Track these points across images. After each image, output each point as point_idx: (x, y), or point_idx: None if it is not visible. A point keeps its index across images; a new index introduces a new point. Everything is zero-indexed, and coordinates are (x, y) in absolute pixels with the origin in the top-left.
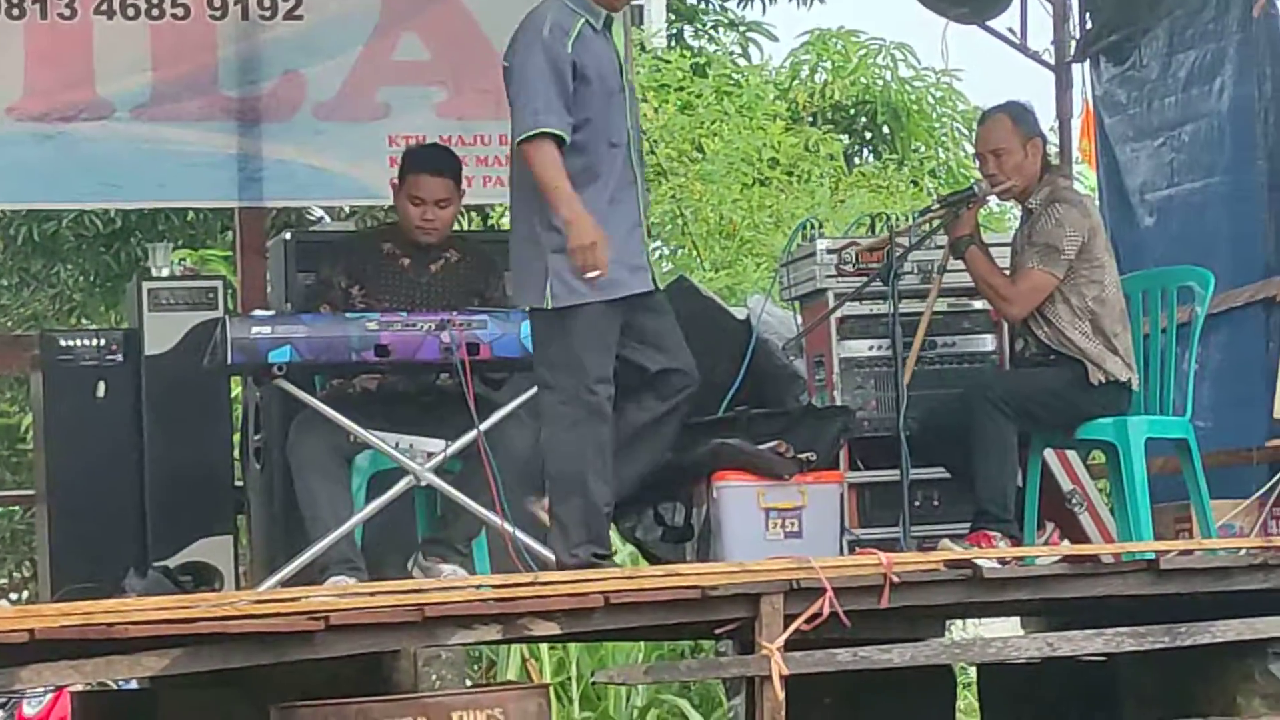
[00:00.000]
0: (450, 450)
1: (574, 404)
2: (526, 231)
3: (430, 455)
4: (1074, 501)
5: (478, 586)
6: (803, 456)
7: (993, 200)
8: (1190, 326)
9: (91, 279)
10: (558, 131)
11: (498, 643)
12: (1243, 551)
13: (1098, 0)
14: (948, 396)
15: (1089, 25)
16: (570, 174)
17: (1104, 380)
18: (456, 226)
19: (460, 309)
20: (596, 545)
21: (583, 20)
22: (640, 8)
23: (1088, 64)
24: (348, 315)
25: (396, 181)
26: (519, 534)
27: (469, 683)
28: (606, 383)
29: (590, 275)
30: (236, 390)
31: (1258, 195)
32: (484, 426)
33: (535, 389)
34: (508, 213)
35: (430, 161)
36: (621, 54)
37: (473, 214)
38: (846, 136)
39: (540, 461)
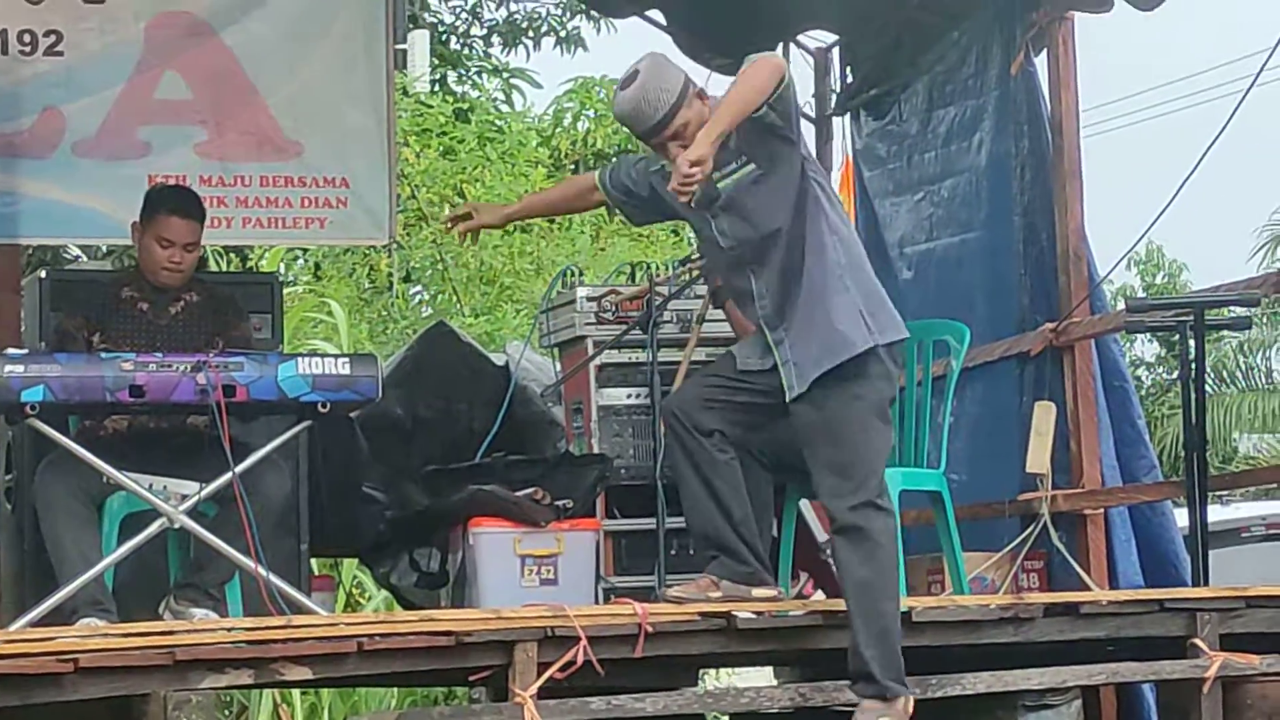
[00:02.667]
0: (204, 493)
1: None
2: None
3: (184, 498)
4: (829, 552)
5: (229, 629)
6: (559, 504)
7: None
8: (946, 380)
9: None
10: None
11: (249, 687)
12: (994, 605)
13: (858, 55)
14: None
15: (850, 79)
16: None
17: None
18: (213, 266)
19: (202, 351)
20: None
21: None
22: (403, 52)
23: (848, 117)
24: (102, 355)
25: (139, 222)
26: (273, 578)
27: None
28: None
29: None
30: None
31: (1014, 250)
32: (239, 469)
33: (290, 432)
34: (266, 254)
35: (180, 204)
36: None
37: (231, 255)
38: None
39: (296, 506)
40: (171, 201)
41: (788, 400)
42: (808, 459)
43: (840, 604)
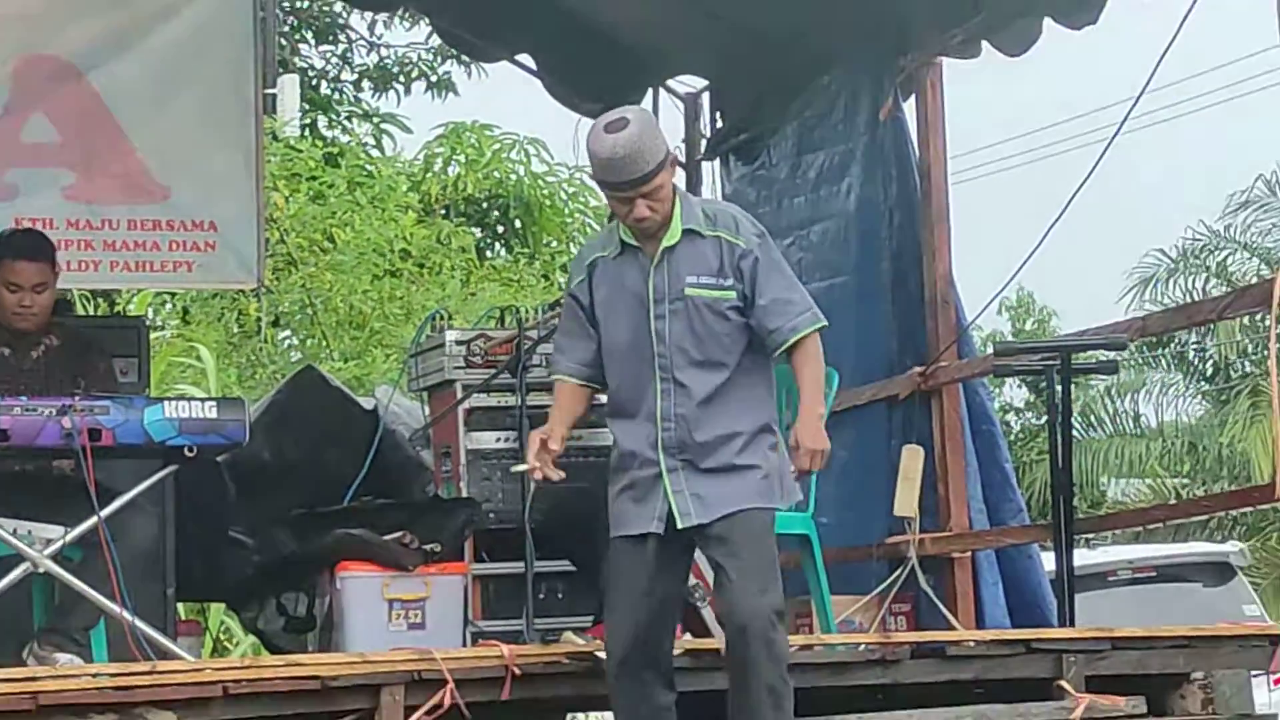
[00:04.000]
0: (69, 537)
1: None
2: None
3: (49, 542)
4: (696, 595)
5: (94, 675)
6: (427, 547)
7: None
8: None
9: None
10: None
11: None
12: (862, 647)
13: (728, 100)
14: (574, 489)
15: (719, 124)
16: None
17: None
18: (80, 310)
19: (65, 394)
20: None
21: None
22: (273, 96)
23: (718, 162)
24: None
25: None
26: (138, 623)
27: None
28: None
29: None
30: None
31: (883, 295)
32: (104, 514)
33: (157, 476)
34: (134, 298)
35: (25, 247)
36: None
37: (99, 299)
38: (478, 229)
39: (163, 551)
40: (16, 245)
41: (679, 527)
42: (722, 563)
43: (710, 643)
